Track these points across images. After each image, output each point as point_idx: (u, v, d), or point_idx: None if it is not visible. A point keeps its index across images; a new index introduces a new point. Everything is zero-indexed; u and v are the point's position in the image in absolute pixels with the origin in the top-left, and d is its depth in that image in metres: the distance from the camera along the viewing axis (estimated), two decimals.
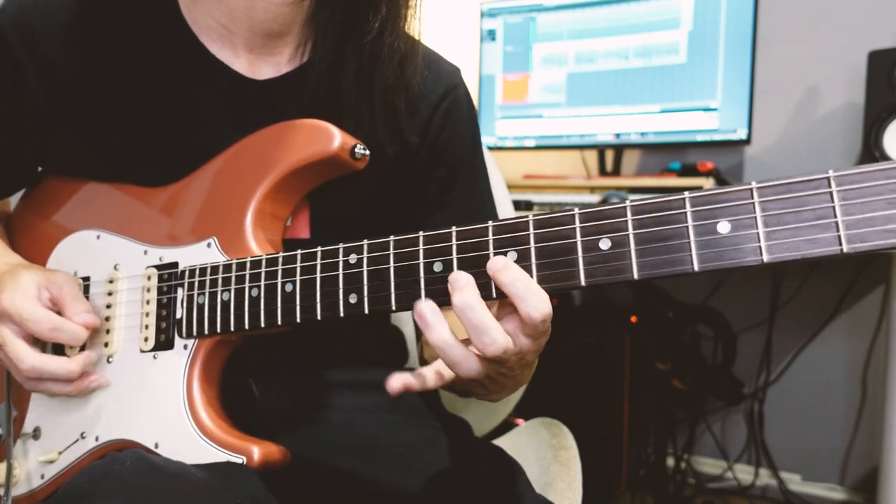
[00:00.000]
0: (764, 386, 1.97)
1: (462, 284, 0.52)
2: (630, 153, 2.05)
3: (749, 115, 1.70)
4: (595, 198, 1.67)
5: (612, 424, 1.71)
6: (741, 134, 1.72)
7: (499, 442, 1.02)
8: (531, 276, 0.52)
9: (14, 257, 0.78)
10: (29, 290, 0.68)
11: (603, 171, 1.98)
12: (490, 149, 1.98)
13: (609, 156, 1.97)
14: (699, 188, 1.62)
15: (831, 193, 0.43)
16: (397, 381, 0.56)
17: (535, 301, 0.51)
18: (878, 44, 1.56)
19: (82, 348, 0.72)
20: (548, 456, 0.93)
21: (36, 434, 0.75)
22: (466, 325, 0.51)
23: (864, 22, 1.76)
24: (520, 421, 1.18)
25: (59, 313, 0.69)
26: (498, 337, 0.51)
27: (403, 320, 1.13)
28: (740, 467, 2.04)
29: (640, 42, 1.81)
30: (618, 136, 1.86)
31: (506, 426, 1.14)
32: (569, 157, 2.13)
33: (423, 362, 0.87)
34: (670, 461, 2.00)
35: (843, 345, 1.89)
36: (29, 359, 0.67)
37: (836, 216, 0.43)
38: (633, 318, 1.78)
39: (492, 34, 2.00)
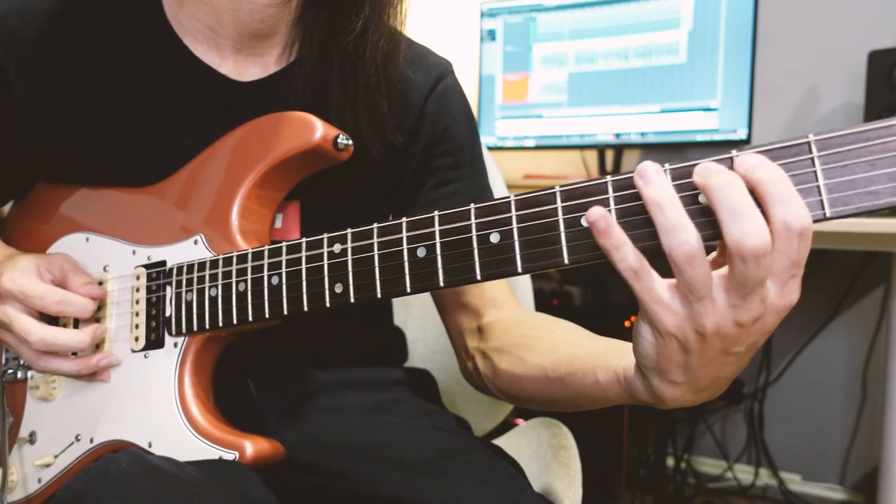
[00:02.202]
0: (764, 386, 1.97)
1: (716, 169, 0.43)
2: (630, 153, 2.04)
3: (749, 115, 1.70)
4: None
5: (612, 424, 1.71)
6: (741, 134, 1.72)
7: (499, 442, 1.02)
8: (514, 256, 0.51)
9: (10, 250, 0.78)
10: (29, 269, 0.69)
11: (603, 171, 1.98)
12: (490, 149, 1.98)
13: (609, 156, 1.96)
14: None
15: (812, 158, 0.43)
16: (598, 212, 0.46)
17: (795, 208, 0.41)
18: (878, 44, 1.56)
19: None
20: (548, 456, 0.92)
21: (31, 438, 0.75)
22: (720, 208, 0.42)
23: (864, 22, 1.75)
24: (520, 421, 1.17)
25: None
26: (761, 225, 0.41)
27: (404, 321, 1.13)
28: (740, 467, 2.04)
29: (640, 42, 1.81)
30: (618, 136, 1.86)
31: (506, 426, 1.14)
32: (569, 157, 2.13)
33: (473, 372, 0.80)
34: (670, 461, 1.99)
35: (843, 345, 1.88)
36: (37, 331, 0.67)
37: (817, 180, 0.43)
38: (633, 318, 1.78)
39: (492, 34, 2.00)
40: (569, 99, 1.91)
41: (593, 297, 2.05)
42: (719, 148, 1.86)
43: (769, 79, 1.85)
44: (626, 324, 1.76)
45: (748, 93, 1.69)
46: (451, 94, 0.83)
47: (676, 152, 1.98)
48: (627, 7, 1.82)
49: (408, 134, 0.80)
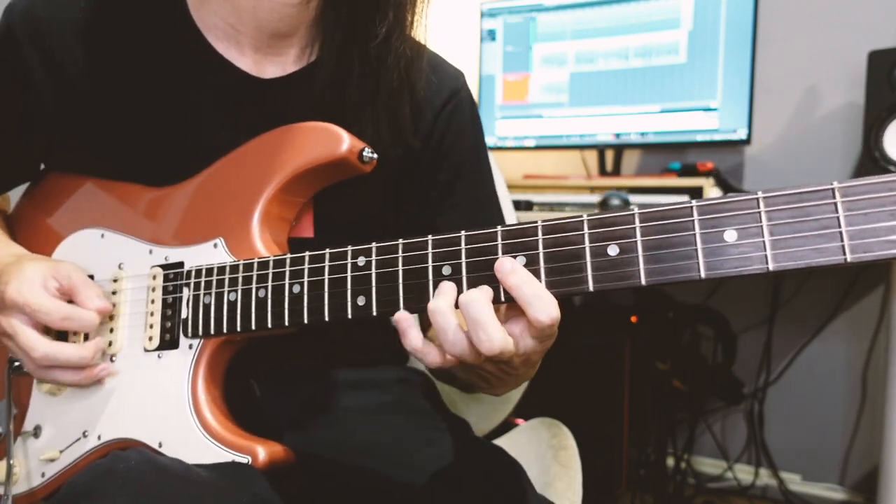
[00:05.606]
0: (764, 386, 1.97)
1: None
2: (630, 153, 2.05)
3: (749, 115, 1.70)
4: (595, 198, 1.67)
5: (612, 424, 1.71)
6: (741, 134, 1.72)
7: (499, 442, 1.02)
8: (540, 281, 0.53)
9: (17, 248, 0.78)
10: (35, 280, 0.69)
11: (603, 171, 1.98)
12: (490, 149, 1.98)
13: (609, 156, 1.97)
14: (699, 189, 1.62)
15: (836, 204, 0.45)
16: (405, 320, 0.56)
17: (542, 305, 0.52)
18: (878, 44, 1.56)
19: (85, 338, 0.73)
20: (548, 456, 0.93)
21: (36, 432, 0.75)
22: (466, 318, 0.53)
23: (864, 22, 1.76)
24: (520, 421, 1.18)
25: (70, 302, 0.70)
26: (494, 335, 0.52)
27: None
28: (740, 467, 2.04)
29: (640, 42, 1.81)
30: (618, 136, 1.86)
31: (506, 426, 1.14)
32: (569, 157, 2.13)
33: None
34: (670, 461, 2.00)
35: (843, 345, 1.89)
36: (41, 347, 0.67)
37: (840, 226, 0.44)
38: (634, 319, 1.79)
39: (492, 34, 2.00)
40: (569, 99, 1.91)
41: (593, 298, 2.05)
42: (719, 148, 1.87)
43: (769, 79, 1.85)
44: (633, 319, 1.77)
45: (748, 93, 1.70)
46: (463, 109, 0.85)
47: (676, 152, 1.99)
48: (627, 7, 1.82)
49: (421, 139, 0.81)
